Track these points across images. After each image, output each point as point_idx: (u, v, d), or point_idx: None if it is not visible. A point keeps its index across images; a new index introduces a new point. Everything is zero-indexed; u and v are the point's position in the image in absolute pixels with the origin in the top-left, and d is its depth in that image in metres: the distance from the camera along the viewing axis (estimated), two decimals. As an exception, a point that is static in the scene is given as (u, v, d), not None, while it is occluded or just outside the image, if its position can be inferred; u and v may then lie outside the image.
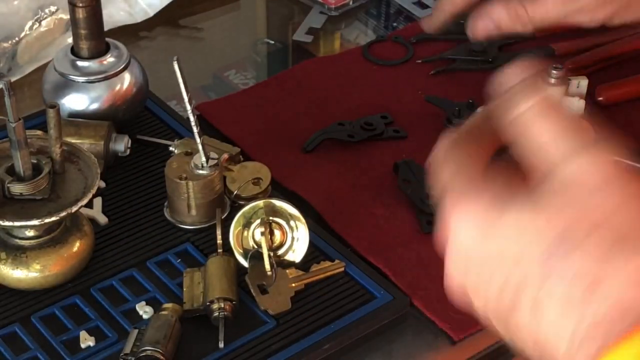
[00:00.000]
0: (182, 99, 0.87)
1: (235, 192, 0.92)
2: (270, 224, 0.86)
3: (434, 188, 0.54)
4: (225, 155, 0.92)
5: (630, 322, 0.45)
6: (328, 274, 0.86)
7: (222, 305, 0.81)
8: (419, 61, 1.14)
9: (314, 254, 0.88)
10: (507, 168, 0.52)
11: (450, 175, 0.53)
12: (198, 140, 0.88)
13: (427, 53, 1.16)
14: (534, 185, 0.49)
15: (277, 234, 0.87)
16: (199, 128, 0.88)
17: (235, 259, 0.86)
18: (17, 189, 0.82)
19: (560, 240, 0.47)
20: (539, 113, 0.49)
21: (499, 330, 0.52)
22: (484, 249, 0.50)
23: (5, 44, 1.14)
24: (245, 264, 0.86)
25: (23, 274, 0.84)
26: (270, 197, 0.91)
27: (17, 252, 0.84)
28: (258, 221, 0.86)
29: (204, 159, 0.89)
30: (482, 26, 0.88)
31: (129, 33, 1.20)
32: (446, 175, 0.53)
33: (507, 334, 0.52)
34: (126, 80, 0.99)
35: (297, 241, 0.87)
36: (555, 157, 0.48)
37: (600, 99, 1.07)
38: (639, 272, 0.45)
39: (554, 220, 0.47)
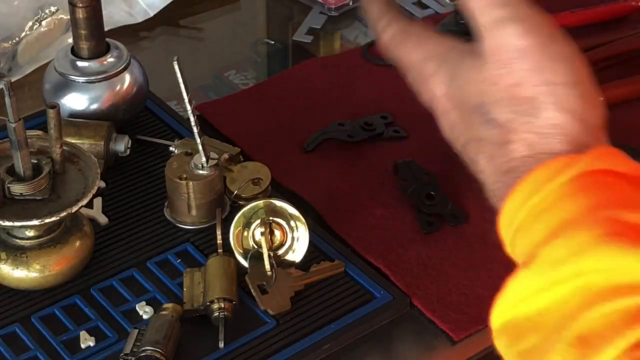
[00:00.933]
0: (182, 99, 0.87)
1: (235, 192, 0.92)
2: (270, 224, 0.86)
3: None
4: (225, 155, 0.92)
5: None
6: (328, 274, 0.86)
7: (222, 305, 0.81)
8: None
9: (314, 254, 0.88)
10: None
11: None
12: (198, 140, 0.88)
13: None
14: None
15: (277, 234, 0.87)
16: (199, 128, 0.88)
17: (235, 259, 0.86)
18: (17, 189, 0.83)
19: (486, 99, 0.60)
20: None
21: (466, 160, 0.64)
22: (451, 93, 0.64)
23: (6, 44, 1.14)
24: (245, 264, 0.86)
25: (23, 274, 0.84)
26: (270, 197, 0.91)
27: (17, 252, 0.84)
28: (258, 221, 0.86)
29: (204, 159, 0.89)
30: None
31: (129, 33, 1.20)
32: (412, 53, 0.67)
33: (469, 164, 0.64)
34: (126, 80, 0.99)
35: (297, 241, 0.87)
36: (485, 25, 0.60)
37: (600, 99, 1.07)
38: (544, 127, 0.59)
39: (482, 81, 0.61)
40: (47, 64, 1.05)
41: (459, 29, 1.18)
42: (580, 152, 0.57)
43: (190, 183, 0.89)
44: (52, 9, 1.16)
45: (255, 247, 0.86)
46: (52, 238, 0.85)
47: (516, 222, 0.58)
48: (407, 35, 0.66)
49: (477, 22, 0.61)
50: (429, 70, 0.65)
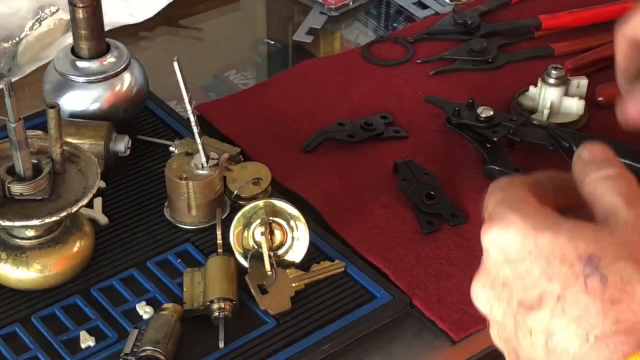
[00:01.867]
0: (182, 99, 0.87)
1: (235, 192, 0.92)
2: (270, 224, 0.86)
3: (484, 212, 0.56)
4: (225, 155, 0.92)
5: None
6: (328, 274, 0.86)
7: (222, 305, 0.81)
8: (419, 61, 1.14)
9: (314, 254, 0.88)
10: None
11: (498, 200, 0.55)
12: (198, 140, 0.88)
13: (427, 53, 1.16)
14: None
15: (277, 234, 0.87)
16: (199, 128, 0.88)
17: (235, 259, 0.86)
18: (17, 189, 0.83)
19: (600, 254, 0.50)
20: (611, 177, 0.54)
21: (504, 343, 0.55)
22: (510, 265, 0.53)
23: (6, 44, 1.14)
24: (245, 264, 0.86)
25: (23, 274, 0.84)
26: (270, 197, 0.91)
27: (17, 252, 0.84)
28: (258, 221, 0.86)
29: (204, 159, 0.89)
30: (636, 111, 0.82)
31: (129, 33, 1.20)
32: (494, 200, 0.55)
33: (517, 337, 0.54)
34: (126, 80, 0.99)
35: (297, 241, 0.87)
36: (617, 204, 0.52)
37: (600, 99, 1.07)
38: None
39: (602, 238, 0.51)
40: (47, 64, 1.05)
41: (457, 29, 1.19)
42: None
43: (190, 183, 0.89)
44: (52, 9, 1.16)
45: (255, 247, 0.87)
46: (52, 238, 0.85)
47: None
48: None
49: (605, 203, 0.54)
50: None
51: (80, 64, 0.99)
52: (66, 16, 1.14)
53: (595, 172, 0.54)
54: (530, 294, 0.52)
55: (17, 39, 1.14)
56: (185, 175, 0.89)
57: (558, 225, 0.52)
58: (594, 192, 0.54)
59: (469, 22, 1.18)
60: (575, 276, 0.50)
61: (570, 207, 0.56)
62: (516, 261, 0.52)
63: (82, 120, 0.97)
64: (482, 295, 0.56)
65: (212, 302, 0.81)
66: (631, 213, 0.52)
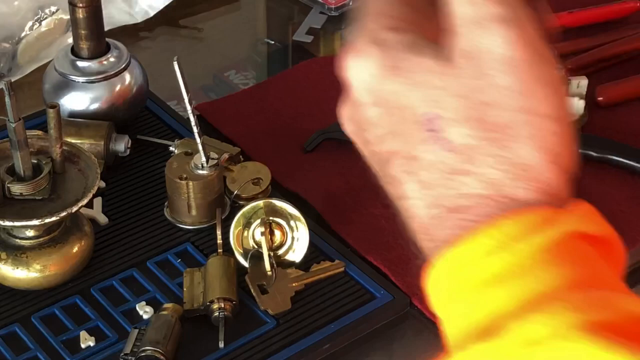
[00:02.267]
0: (182, 99, 0.87)
1: (235, 192, 0.92)
2: (270, 224, 0.86)
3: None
4: (225, 155, 0.92)
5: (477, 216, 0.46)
6: (328, 274, 0.86)
7: (222, 305, 0.81)
8: None
9: (314, 254, 0.88)
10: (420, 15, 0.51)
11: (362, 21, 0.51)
12: (198, 140, 0.88)
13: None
14: (444, 41, 0.48)
15: (277, 234, 0.87)
16: (199, 128, 0.88)
17: (235, 259, 0.86)
18: (17, 189, 0.82)
19: (442, 113, 0.47)
20: None
21: (376, 171, 0.53)
22: (379, 88, 0.49)
23: (6, 44, 1.14)
24: (245, 264, 0.86)
25: (23, 274, 0.84)
26: (270, 197, 0.91)
27: (17, 252, 0.84)
28: (258, 221, 0.86)
29: (204, 159, 0.89)
30: None
31: (129, 33, 1.20)
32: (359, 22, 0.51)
33: (381, 178, 0.52)
34: (126, 80, 0.99)
35: (297, 241, 0.87)
36: (468, 18, 0.47)
37: (600, 99, 1.07)
38: (500, 170, 0.46)
39: (445, 87, 0.47)
40: (47, 64, 1.05)
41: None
42: (557, 207, 0.46)
43: (190, 183, 0.89)
44: (52, 9, 1.16)
45: (255, 247, 0.86)
46: (52, 238, 0.85)
47: (465, 278, 0.46)
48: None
49: (454, 14, 0.47)
50: (357, 41, 0.51)
51: (80, 64, 0.99)
52: (66, 16, 1.14)
53: None
54: (385, 145, 0.50)
55: (17, 38, 1.14)
56: (185, 175, 0.89)
57: (411, 72, 0.48)
58: None
59: None
60: (422, 138, 0.48)
61: None
62: (371, 105, 0.50)
63: (82, 120, 0.97)
64: (348, 126, 0.53)
65: (212, 302, 0.81)
66: (470, 40, 0.46)
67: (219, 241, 0.86)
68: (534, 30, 0.47)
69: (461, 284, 0.47)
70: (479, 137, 0.46)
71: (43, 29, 1.16)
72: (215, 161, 0.90)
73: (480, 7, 0.46)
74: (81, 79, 0.98)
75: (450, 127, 0.47)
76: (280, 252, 0.87)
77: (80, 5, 0.96)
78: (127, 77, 1.00)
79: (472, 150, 0.46)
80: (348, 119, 0.52)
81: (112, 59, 0.99)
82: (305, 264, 0.87)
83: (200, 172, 0.89)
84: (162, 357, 0.77)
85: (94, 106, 0.98)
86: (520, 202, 0.46)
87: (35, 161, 0.84)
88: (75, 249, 0.85)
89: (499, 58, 0.46)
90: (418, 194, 0.49)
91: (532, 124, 0.46)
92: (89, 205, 0.91)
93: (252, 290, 0.84)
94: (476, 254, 0.46)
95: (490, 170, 0.46)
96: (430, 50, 0.48)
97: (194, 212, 0.90)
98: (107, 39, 1.00)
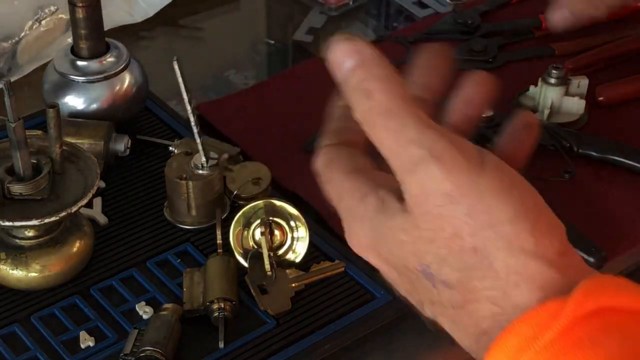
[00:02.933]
0: (182, 99, 0.87)
1: (235, 192, 0.92)
2: (270, 224, 0.86)
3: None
4: (225, 155, 0.92)
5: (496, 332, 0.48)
6: (328, 274, 0.86)
7: (222, 305, 0.81)
8: None
9: (314, 254, 0.88)
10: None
11: (334, 195, 0.55)
12: (198, 140, 0.88)
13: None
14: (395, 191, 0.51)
15: (277, 234, 0.87)
16: (199, 128, 0.88)
17: (235, 259, 0.86)
18: (17, 189, 0.82)
19: (427, 261, 0.50)
20: (377, 113, 0.49)
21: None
22: (375, 254, 0.53)
23: (5, 44, 1.13)
24: (245, 264, 0.86)
25: (23, 274, 0.84)
26: (270, 197, 0.91)
27: (17, 252, 0.84)
28: (258, 221, 0.86)
29: (204, 159, 0.89)
30: (560, 16, 0.88)
31: (129, 33, 1.20)
32: (331, 194, 0.56)
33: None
34: (126, 80, 0.99)
35: (297, 241, 0.87)
36: (400, 169, 0.49)
37: (601, 99, 1.07)
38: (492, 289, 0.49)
39: (417, 241, 0.50)
40: (46, 64, 1.05)
41: (457, 29, 1.18)
42: (557, 295, 0.47)
43: (190, 183, 0.89)
44: (52, 8, 1.16)
45: (255, 247, 0.86)
46: (52, 238, 0.85)
47: None
48: (330, 170, 0.56)
49: (393, 167, 0.49)
50: (348, 222, 0.54)
51: (80, 63, 0.99)
52: (66, 16, 1.14)
53: (355, 104, 0.50)
54: (403, 291, 0.54)
55: (16, 38, 1.14)
56: (185, 175, 0.89)
57: (386, 238, 0.51)
58: (372, 138, 0.50)
59: (469, 22, 1.18)
60: (427, 286, 0.51)
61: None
62: (381, 261, 0.53)
63: (82, 120, 0.97)
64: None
65: (212, 302, 0.81)
66: (413, 184, 0.49)
67: (219, 241, 0.86)
68: (461, 149, 0.48)
69: None
70: (462, 267, 0.49)
71: (43, 28, 1.16)
72: (215, 161, 0.90)
73: (404, 154, 0.48)
74: (81, 79, 0.98)
75: (440, 269, 0.49)
76: (280, 252, 0.87)
77: (80, 5, 0.96)
78: (127, 77, 1.00)
79: (465, 281, 0.49)
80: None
81: (112, 59, 0.99)
82: (305, 264, 0.87)
83: (200, 172, 0.89)
84: (162, 357, 0.77)
85: (94, 106, 0.98)
86: (525, 307, 0.47)
87: (35, 161, 0.84)
88: (75, 249, 0.85)
89: (439, 193, 0.48)
90: (453, 329, 0.52)
91: (497, 235, 0.48)
92: (89, 205, 0.91)
93: (252, 290, 0.84)
94: None
95: (488, 292, 0.49)
96: (395, 205, 0.50)
97: (194, 212, 0.90)
98: (107, 39, 1.00)
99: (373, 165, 0.54)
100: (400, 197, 0.50)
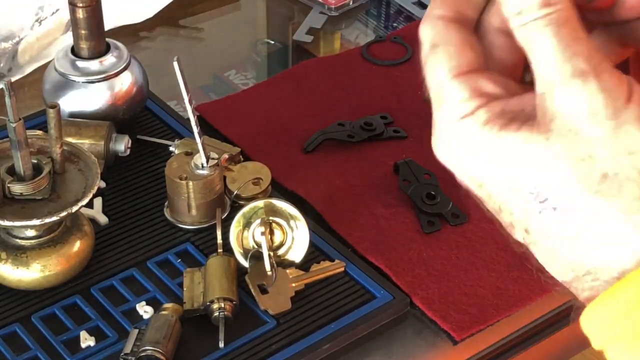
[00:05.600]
0: (182, 99, 0.87)
1: (235, 192, 0.92)
2: (270, 224, 0.86)
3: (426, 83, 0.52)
4: (225, 155, 0.92)
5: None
6: (328, 274, 0.86)
7: (222, 305, 0.81)
8: None
9: (314, 254, 0.88)
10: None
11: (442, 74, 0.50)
12: (198, 140, 0.88)
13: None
14: (533, 105, 0.48)
15: (277, 234, 0.87)
16: (199, 128, 0.88)
17: (235, 259, 0.86)
18: (17, 189, 0.82)
19: (544, 182, 0.47)
20: (549, 23, 0.46)
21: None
22: (478, 175, 0.50)
23: (6, 44, 1.14)
24: (245, 264, 0.86)
25: (23, 274, 0.84)
26: (270, 197, 0.91)
27: (17, 252, 0.84)
28: (258, 221, 0.86)
29: (204, 159, 0.89)
30: None
31: (129, 33, 1.20)
32: (432, 92, 0.51)
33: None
34: (126, 80, 0.99)
35: (297, 241, 0.87)
36: (554, 80, 0.46)
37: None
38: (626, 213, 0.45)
39: (540, 159, 0.47)
40: (47, 64, 1.05)
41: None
42: None
43: (190, 183, 0.89)
44: (52, 9, 1.16)
45: (255, 247, 0.86)
46: (52, 238, 0.85)
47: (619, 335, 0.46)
48: (436, 57, 0.50)
49: (544, 77, 0.47)
50: (442, 129, 0.51)
51: (80, 63, 0.99)
52: (66, 16, 1.14)
53: (521, 14, 0.46)
54: (500, 215, 0.50)
55: (17, 38, 1.14)
56: (185, 175, 0.89)
57: (499, 152, 0.48)
58: (527, 46, 0.47)
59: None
60: (531, 211, 0.47)
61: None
62: (475, 187, 0.51)
63: (82, 120, 0.97)
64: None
65: (212, 302, 0.81)
66: (566, 95, 0.46)
67: (219, 241, 0.86)
68: (615, 74, 0.46)
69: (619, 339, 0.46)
70: (586, 194, 0.46)
71: (43, 29, 1.16)
72: (215, 161, 0.90)
73: (565, 66, 0.46)
74: (81, 79, 0.98)
75: (556, 193, 0.46)
76: (280, 252, 0.87)
77: (80, 5, 0.96)
78: (127, 77, 1.00)
79: (584, 208, 0.46)
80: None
81: (112, 59, 0.99)
82: (305, 264, 0.87)
83: (200, 172, 0.89)
84: (162, 357, 0.77)
85: (94, 106, 0.98)
86: None
87: (35, 161, 0.84)
88: (75, 249, 0.85)
89: (588, 110, 0.45)
90: (548, 260, 0.48)
91: (636, 163, 0.45)
92: (89, 205, 0.91)
93: (252, 290, 0.84)
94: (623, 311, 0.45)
95: (606, 226, 0.46)
96: (514, 123, 0.48)
97: (194, 212, 0.90)
98: (107, 39, 1.00)
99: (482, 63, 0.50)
100: (516, 115, 0.48)
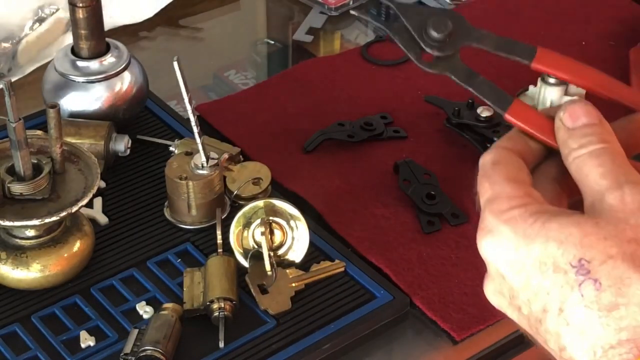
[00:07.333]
0: (182, 99, 0.87)
1: (235, 192, 0.92)
2: (270, 224, 0.86)
3: (477, 201, 0.58)
4: (225, 155, 0.92)
5: None
6: (328, 274, 0.86)
7: (222, 305, 0.81)
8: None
9: (314, 254, 0.88)
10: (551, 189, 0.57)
11: (486, 198, 0.56)
12: (198, 140, 0.88)
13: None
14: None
15: (277, 234, 0.87)
16: (199, 128, 0.88)
17: (235, 259, 0.86)
18: (17, 189, 0.82)
19: (589, 256, 0.51)
20: (594, 154, 0.54)
21: (532, 336, 0.55)
22: (516, 259, 0.53)
23: (6, 44, 1.14)
24: (245, 264, 0.86)
25: (23, 274, 0.84)
26: (270, 197, 0.91)
27: (17, 252, 0.84)
28: (258, 221, 0.86)
29: (204, 159, 0.89)
30: None
31: (129, 33, 1.20)
32: (483, 191, 0.57)
33: (538, 340, 0.54)
34: (126, 80, 0.99)
35: (297, 241, 0.87)
36: (601, 188, 0.53)
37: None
38: None
39: (589, 235, 0.51)
40: (47, 64, 1.05)
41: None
42: None
43: (190, 183, 0.89)
44: (52, 8, 1.16)
45: (255, 247, 0.86)
46: (52, 238, 0.85)
47: None
48: (494, 169, 0.58)
49: (595, 186, 0.53)
50: (491, 223, 0.55)
51: (80, 63, 0.99)
52: (66, 16, 1.14)
53: (577, 149, 0.55)
54: (535, 306, 0.52)
55: (17, 38, 1.14)
56: (185, 175, 0.89)
57: (546, 230, 0.52)
58: (579, 173, 0.54)
59: None
60: (570, 286, 0.50)
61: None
62: (514, 274, 0.53)
63: (82, 120, 0.97)
64: (494, 299, 0.57)
65: (212, 302, 0.81)
66: (615, 196, 0.52)
67: (219, 241, 0.86)
68: None
69: None
70: (625, 272, 0.49)
71: (43, 28, 1.16)
72: (215, 161, 0.90)
73: (613, 179, 0.53)
74: (81, 79, 0.98)
75: (598, 268, 0.50)
76: (280, 252, 0.87)
77: (80, 5, 0.96)
78: (127, 77, 1.00)
79: (623, 284, 0.49)
80: (493, 294, 0.57)
81: (112, 59, 0.99)
82: (305, 264, 0.87)
83: (200, 172, 0.89)
84: (162, 357, 0.77)
85: (94, 106, 0.98)
86: None
87: (35, 161, 0.84)
88: (75, 249, 0.85)
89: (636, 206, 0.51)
90: (578, 341, 0.50)
91: None
92: (89, 205, 0.91)
93: (252, 290, 0.84)
94: None
95: None
96: (556, 210, 0.53)
97: (194, 212, 0.90)
98: (107, 39, 1.00)
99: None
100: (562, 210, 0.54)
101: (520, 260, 0.53)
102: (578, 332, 0.50)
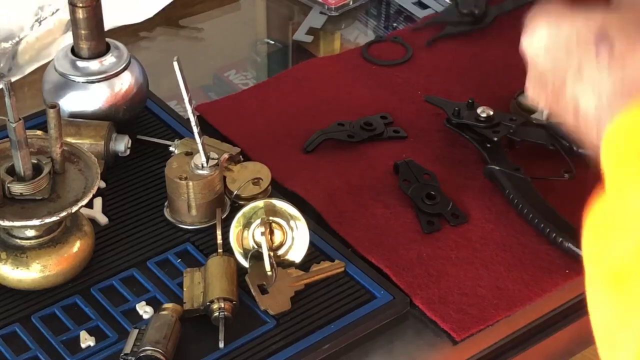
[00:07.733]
0: (182, 99, 0.87)
1: (235, 192, 0.92)
2: (270, 224, 0.86)
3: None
4: (225, 155, 0.92)
5: None
6: (328, 274, 0.86)
7: (222, 305, 0.81)
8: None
9: (314, 254, 0.88)
10: None
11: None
12: (198, 140, 0.88)
13: (426, 51, 1.16)
14: None
15: (277, 234, 0.87)
16: (199, 128, 0.88)
17: (235, 259, 0.86)
18: (17, 189, 0.82)
19: (609, 27, 0.60)
20: None
21: (552, 106, 0.65)
22: (552, 41, 0.64)
23: (6, 44, 1.14)
24: (245, 264, 0.86)
25: (23, 274, 0.84)
26: (270, 197, 0.91)
27: (17, 252, 0.84)
28: (258, 221, 0.86)
29: (204, 159, 0.89)
30: None
31: (129, 33, 1.20)
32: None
33: (556, 106, 0.64)
34: (126, 80, 0.99)
35: (297, 241, 0.87)
36: None
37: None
38: None
39: (611, 14, 0.60)
40: (47, 64, 1.05)
41: (460, 19, 1.19)
42: None
43: (190, 183, 0.89)
44: (52, 9, 1.16)
45: (255, 247, 0.86)
46: (52, 238, 0.85)
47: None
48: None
49: None
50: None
51: (80, 63, 0.99)
52: (66, 16, 1.14)
53: None
54: (560, 73, 0.62)
55: (17, 39, 1.14)
56: (185, 175, 0.89)
57: (575, 14, 0.62)
58: None
59: (476, 12, 1.18)
60: (590, 50, 0.60)
61: None
62: (548, 51, 0.63)
63: (82, 120, 0.97)
64: (534, 92, 0.67)
65: (212, 302, 0.81)
66: None
67: (219, 241, 0.86)
68: None
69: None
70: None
71: (43, 29, 1.16)
72: (215, 161, 0.90)
73: None
74: (81, 79, 0.98)
75: (616, 35, 0.59)
76: (280, 252, 0.87)
77: (80, 5, 0.96)
78: (127, 77, 1.00)
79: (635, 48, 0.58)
80: (533, 87, 0.67)
81: (112, 59, 0.99)
82: (305, 264, 0.87)
83: (200, 172, 0.89)
84: (162, 357, 0.77)
85: (94, 106, 0.98)
86: None
87: (35, 161, 0.84)
88: (75, 249, 0.85)
89: None
90: (589, 93, 0.60)
91: None
92: (89, 205, 0.91)
93: (252, 290, 0.84)
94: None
95: None
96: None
97: (194, 212, 0.90)
98: (107, 39, 1.00)
99: None
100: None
101: (553, 38, 0.63)
102: (590, 83, 0.60)
